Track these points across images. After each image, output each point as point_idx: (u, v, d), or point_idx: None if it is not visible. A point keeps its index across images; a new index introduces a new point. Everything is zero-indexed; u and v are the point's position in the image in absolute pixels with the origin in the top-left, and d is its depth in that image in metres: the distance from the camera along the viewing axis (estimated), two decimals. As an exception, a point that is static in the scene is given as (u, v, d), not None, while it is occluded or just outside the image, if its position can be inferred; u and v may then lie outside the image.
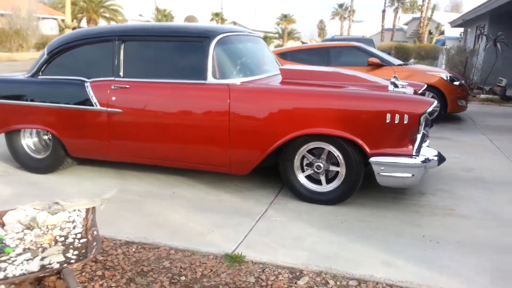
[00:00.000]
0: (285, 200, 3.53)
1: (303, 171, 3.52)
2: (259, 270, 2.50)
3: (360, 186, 3.37)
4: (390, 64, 7.00)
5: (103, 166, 4.33)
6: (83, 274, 2.44)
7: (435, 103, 3.20)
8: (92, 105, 3.84)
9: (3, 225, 2.20)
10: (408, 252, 2.69)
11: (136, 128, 3.77)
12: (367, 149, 3.19)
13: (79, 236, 2.13)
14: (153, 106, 3.68)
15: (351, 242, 2.83)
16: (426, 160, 3.17)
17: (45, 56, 4.14)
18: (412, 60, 22.14)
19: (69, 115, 3.94)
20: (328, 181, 3.48)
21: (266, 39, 41.76)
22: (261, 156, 3.43)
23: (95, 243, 2.00)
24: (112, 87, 3.78)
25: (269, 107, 3.39)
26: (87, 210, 2.38)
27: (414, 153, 3.15)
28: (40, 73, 4.17)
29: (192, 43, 3.68)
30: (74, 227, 2.21)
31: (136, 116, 3.74)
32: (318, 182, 3.50)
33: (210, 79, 3.55)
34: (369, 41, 11.79)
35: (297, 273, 2.46)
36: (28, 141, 4.35)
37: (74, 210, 2.37)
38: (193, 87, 3.59)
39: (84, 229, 2.19)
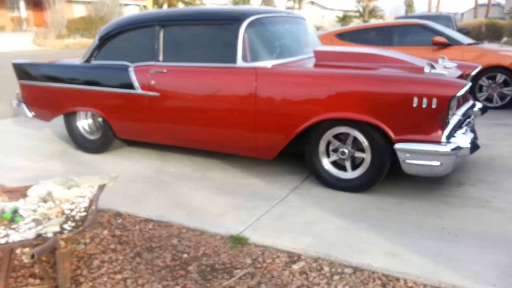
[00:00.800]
0: (309, 186, 3.50)
1: (328, 156, 3.44)
2: (259, 253, 2.53)
3: (394, 174, 3.20)
4: (458, 43, 6.47)
5: (148, 148, 4.58)
6: (98, 246, 2.65)
7: (468, 85, 2.94)
8: (134, 89, 4.07)
9: (25, 197, 2.45)
10: (420, 243, 2.55)
11: (171, 111, 3.94)
12: (392, 135, 3.04)
13: (82, 210, 2.31)
14: (187, 90, 3.82)
15: (362, 230, 2.74)
16: (457, 148, 2.94)
17: (97, 42, 4.45)
18: (504, 39, 20.13)
19: (115, 98, 4.22)
20: (354, 167, 3.36)
21: (345, 18, 40.43)
22: (285, 140, 3.42)
23: (90, 217, 2.16)
24: (151, 71, 3.97)
25: (292, 90, 3.36)
26: (100, 187, 2.56)
27: (443, 140, 2.93)
28: (93, 58, 4.49)
29: (223, 26, 3.73)
30: (83, 202, 2.40)
31: (172, 100, 3.91)
32: (344, 169, 3.41)
33: (240, 62, 3.58)
34: (447, 19, 10.90)
35: (295, 258, 2.46)
36: (83, 122, 4.73)
37: (89, 186, 2.56)
38: (224, 70, 3.65)
39: (89, 204, 2.37)
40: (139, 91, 4.05)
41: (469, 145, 2.98)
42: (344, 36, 7.21)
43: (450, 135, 2.99)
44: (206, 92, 3.72)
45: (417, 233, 2.69)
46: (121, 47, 4.35)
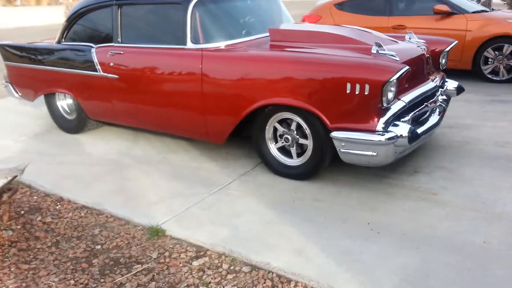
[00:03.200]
0: (258, 173, 3.42)
1: (276, 142, 3.34)
2: (170, 246, 2.53)
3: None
4: (462, 11, 5.96)
5: (123, 128, 4.60)
6: (25, 233, 2.74)
7: (404, 69, 2.70)
8: (97, 71, 4.07)
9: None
10: (335, 240, 2.45)
11: (129, 93, 3.93)
12: (328, 123, 2.89)
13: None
14: (142, 72, 3.78)
15: (285, 223, 2.66)
16: (394, 138, 2.74)
17: (65, 22, 4.46)
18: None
19: (82, 79, 4.25)
20: (299, 155, 3.24)
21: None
22: (232, 125, 3.33)
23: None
24: (110, 53, 3.95)
25: (235, 74, 3.24)
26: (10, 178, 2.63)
27: (379, 129, 2.75)
28: (63, 40, 4.51)
29: (174, 6, 3.60)
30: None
31: (128, 82, 3.89)
32: (291, 155, 3.29)
33: (189, 44, 3.48)
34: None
35: (201, 253, 2.44)
36: (63, 103, 4.82)
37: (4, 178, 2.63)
38: (174, 52, 3.57)
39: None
40: (100, 73, 4.05)
41: (407, 135, 2.76)
42: (343, 6, 6.83)
43: (389, 123, 2.79)
44: (159, 75, 3.67)
45: (339, 228, 2.58)
46: (86, 28, 4.35)
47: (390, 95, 2.75)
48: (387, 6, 6.41)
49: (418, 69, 3.29)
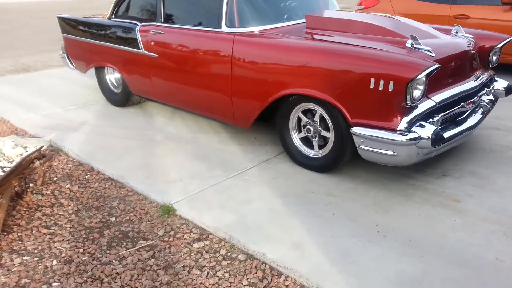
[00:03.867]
0: (280, 161, 3.42)
1: (299, 132, 3.30)
2: (177, 226, 2.62)
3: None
4: (535, 1, 5.44)
5: (163, 105, 4.74)
6: (52, 199, 2.96)
7: (433, 67, 2.54)
8: (139, 49, 4.22)
9: (-13, 150, 2.82)
10: (337, 239, 2.41)
11: (166, 72, 4.04)
12: (349, 117, 2.81)
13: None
14: (179, 52, 3.86)
15: (291, 215, 2.66)
16: (415, 139, 2.62)
17: (115, 0, 4.63)
18: None
19: (126, 56, 4.42)
20: (321, 147, 3.19)
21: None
22: (258, 110, 3.33)
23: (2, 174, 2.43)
24: (151, 32, 4.06)
25: (262, 60, 3.22)
26: (36, 150, 2.83)
27: (401, 128, 2.63)
28: (113, 16, 4.70)
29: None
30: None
31: (166, 61, 3.99)
32: (313, 146, 3.26)
33: (224, 27, 3.50)
34: None
35: (204, 236, 2.50)
36: (111, 76, 5.06)
37: (33, 147, 2.84)
38: (209, 35, 3.61)
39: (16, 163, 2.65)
40: (142, 50, 4.18)
41: (430, 137, 2.62)
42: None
43: (413, 123, 2.66)
44: (194, 56, 3.73)
45: (345, 226, 2.53)
46: (134, 6, 4.48)
47: (417, 94, 2.61)
48: (451, -7, 5.99)
49: (458, 66, 3.08)
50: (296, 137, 3.30)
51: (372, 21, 3.30)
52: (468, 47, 3.23)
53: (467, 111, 3.17)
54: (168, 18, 4.01)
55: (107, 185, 3.14)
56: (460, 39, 3.29)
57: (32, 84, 5.98)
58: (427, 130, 2.62)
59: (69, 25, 5.19)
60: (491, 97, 3.52)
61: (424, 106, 2.72)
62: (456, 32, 3.41)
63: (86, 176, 3.29)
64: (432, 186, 2.95)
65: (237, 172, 3.24)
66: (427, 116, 2.79)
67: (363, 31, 3.23)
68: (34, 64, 7.29)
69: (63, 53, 5.52)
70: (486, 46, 3.46)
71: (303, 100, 3.11)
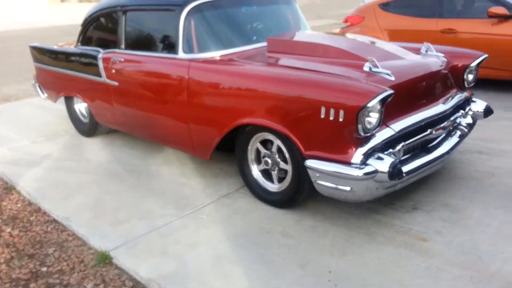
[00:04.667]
0: (242, 195, 3.17)
1: (259, 164, 3.06)
2: (110, 277, 2.37)
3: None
4: (522, 14, 5.20)
5: (131, 135, 4.51)
6: (-15, 246, 2.72)
7: (385, 94, 2.29)
8: (101, 76, 4.03)
9: None
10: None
11: (125, 102, 3.85)
12: (302, 149, 2.56)
13: None
14: (138, 80, 3.66)
15: (236, 262, 2.40)
16: (372, 173, 2.35)
17: (81, 26, 4.48)
18: None
19: (90, 84, 4.25)
20: (281, 180, 2.94)
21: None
22: (215, 142, 3.10)
23: None
24: (112, 59, 3.88)
25: (216, 88, 3.01)
26: None
27: (355, 161, 2.37)
28: (79, 43, 4.54)
29: (169, 13, 3.42)
30: None
31: (125, 90, 3.81)
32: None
33: (180, 53, 3.30)
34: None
35: (137, 290, 2.24)
36: (80, 106, 4.88)
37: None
38: (166, 61, 3.41)
39: None
40: (104, 79, 4.00)
41: (387, 170, 2.35)
42: (388, 6, 6.28)
43: (370, 155, 2.40)
44: (153, 83, 3.52)
45: (293, 274, 2.26)
46: (98, 33, 4.32)
47: (371, 123, 2.36)
48: (437, 7, 5.77)
49: (425, 88, 2.83)
50: (255, 169, 3.06)
51: (333, 44, 3.08)
52: (438, 67, 2.99)
53: (438, 136, 2.90)
54: (129, 45, 3.83)
55: (49, 229, 2.91)
56: (429, 59, 3.06)
57: (8, 115, 5.83)
58: (384, 163, 2.36)
59: (39, 53, 5.05)
60: (468, 119, 3.25)
61: (382, 135, 2.47)
62: (426, 51, 3.17)
63: (31, 218, 3.07)
64: (399, 222, 2.67)
65: (191, 210, 2.99)
66: (387, 145, 2.53)
67: (323, 54, 3.01)
68: (16, 94, 7.17)
69: (34, 82, 5.37)
70: (459, 65, 3.22)
71: (260, 130, 2.88)
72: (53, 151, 4.36)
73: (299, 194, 2.79)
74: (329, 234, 2.60)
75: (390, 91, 2.32)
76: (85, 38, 4.46)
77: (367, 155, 2.39)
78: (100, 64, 4.00)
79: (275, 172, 2.93)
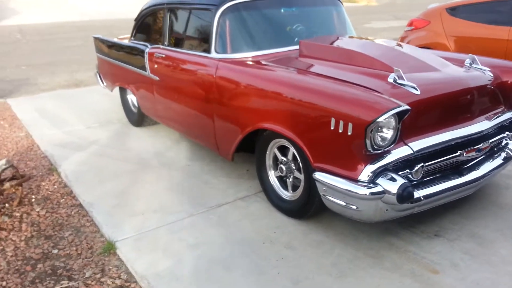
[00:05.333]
0: (259, 199, 3.13)
1: (276, 170, 3.00)
2: (110, 267, 2.46)
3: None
4: None
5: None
6: (15, 222, 2.95)
7: (396, 110, 2.12)
8: (145, 71, 4.19)
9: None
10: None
11: (164, 96, 3.95)
12: (311, 160, 2.46)
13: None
14: (175, 76, 3.76)
15: (231, 269, 2.37)
16: (379, 193, 2.20)
17: (134, 21, 4.67)
18: None
19: (137, 77, 4.43)
20: (296, 188, 2.86)
21: None
22: (236, 142, 3.08)
23: None
24: (155, 55, 4.01)
25: (237, 89, 2.99)
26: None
27: (362, 179, 2.23)
28: (132, 38, 4.75)
29: (206, 12, 3.46)
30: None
31: (164, 85, 3.91)
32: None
33: (213, 53, 3.32)
34: None
35: (127, 284, 2.31)
36: (132, 96, 5.10)
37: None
38: (200, 60, 3.45)
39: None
40: (148, 73, 4.14)
41: (395, 192, 2.17)
42: (456, 11, 5.81)
43: (380, 173, 2.24)
44: (187, 80, 3.59)
45: (283, 290, 2.18)
46: (148, 28, 4.47)
47: (386, 139, 2.20)
48: (507, 14, 5.24)
49: (459, 105, 2.58)
50: (272, 175, 2.99)
51: (366, 51, 2.91)
52: (480, 82, 2.70)
53: (473, 158, 2.63)
54: (171, 42, 3.92)
55: (72, 212, 3.07)
56: (471, 73, 2.78)
57: (75, 99, 6.25)
58: (394, 184, 2.18)
59: (100, 45, 5.35)
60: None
61: (398, 154, 2.28)
62: (470, 64, 2.88)
63: (61, 200, 3.27)
64: (415, 248, 2.47)
65: (204, 209, 3.01)
66: (406, 165, 2.34)
67: (353, 61, 2.86)
68: (86, 80, 7.67)
69: (96, 71, 5.70)
70: (509, 82, 2.89)
71: (277, 135, 2.81)
72: (101, 138, 4.60)
73: (309, 206, 2.68)
74: (334, 252, 2.47)
75: (405, 107, 2.13)
76: (137, 32, 4.64)
77: (378, 174, 2.23)
78: (146, 58, 4.14)
79: (290, 180, 2.85)
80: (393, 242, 2.54)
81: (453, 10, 5.79)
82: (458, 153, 2.50)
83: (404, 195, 2.15)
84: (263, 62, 3.05)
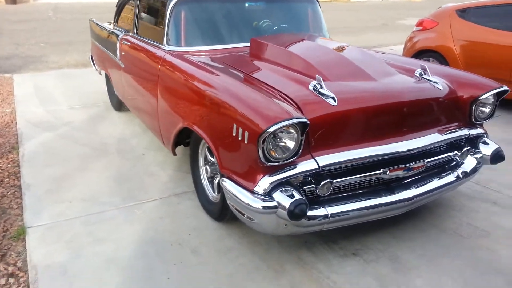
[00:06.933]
0: (192, 197, 3.03)
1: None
2: (12, 253, 2.45)
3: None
4: None
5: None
6: None
7: (290, 121, 1.96)
8: (116, 57, 4.17)
9: None
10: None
11: (126, 83, 3.92)
12: (220, 165, 2.34)
13: None
14: (133, 65, 3.71)
15: (122, 271, 2.29)
16: (273, 207, 2.05)
17: (116, 7, 4.65)
18: None
19: (111, 62, 4.42)
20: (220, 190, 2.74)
21: None
22: (172, 137, 3.00)
23: None
24: (123, 42, 3.97)
25: (173, 83, 2.90)
26: None
27: (257, 190, 2.09)
28: (115, 23, 4.73)
29: (163, 2, 3.37)
30: None
31: (126, 73, 3.88)
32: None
33: (164, 44, 3.24)
34: None
35: (17, 273, 2.29)
36: (115, 81, 5.10)
37: None
38: (153, 50, 3.37)
39: None
40: (118, 59, 4.12)
41: (287, 207, 2.02)
42: (466, 13, 5.42)
43: (279, 186, 2.08)
44: (143, 72, 3.53)
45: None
46: (125, 15, 4.44)
47: (284, 150, 2.04)
48: (517, 18, 4.83)
49: (389, 120, 2.36)
50: (204, 175, 2.88)
51: (307, 54, 2.72)
52: (423, 95, 2.47)
53: (403, 177, 2.42)
54: (138, 30, 3.86)
55: (8, 193, 3.10)
56: (415, 85, 2.54)
57: (75, 80, 6.35)
58: (287, 200, 2.03)
59: (92, 28, 5.38)
60: (469, 163, 2.67)
61: (301, 167, 2.11)
62: (420, 74, 2.64)
63: (5, 180, 3.31)
64: (323, 266, 2.31)
65: (133, 203, 2.95)
66: (316, 179, 2.17)
67: (290, 63, 2.69)
68: (87, 61, 7.75)
69: (90, 54, 5.74)
70: (464, 96, 2.63)
71: (202, 135, 2.68)
72: (77, 119, 4.64)
73: (225, 211, 2.56)
74: (238, 261, 2.35)
75: (302, 119, 1.97)
76: (118, 19, 4.61)
77: (276, 187, 2.07)
78: (118, 45, 4.11)
79: (216, 181, 2.73)
80: (303, 257, 2.39)
81: (463, 12, 5.42)
82: (381, 171, 2.29)
83: (295, 212, 1.99)
84: (203, 60, 2.92)
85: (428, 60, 5.54)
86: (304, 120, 1.97)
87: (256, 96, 2.17)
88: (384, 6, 19.96)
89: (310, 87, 2.28)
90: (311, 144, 2.14)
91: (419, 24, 5.99)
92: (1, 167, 3.53)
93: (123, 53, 3.94)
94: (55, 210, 2.84)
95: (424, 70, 2.63)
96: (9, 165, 3.57)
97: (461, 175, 2.63)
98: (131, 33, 3.96)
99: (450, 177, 2.62)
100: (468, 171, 2.66)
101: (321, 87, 2.24)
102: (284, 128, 1.99)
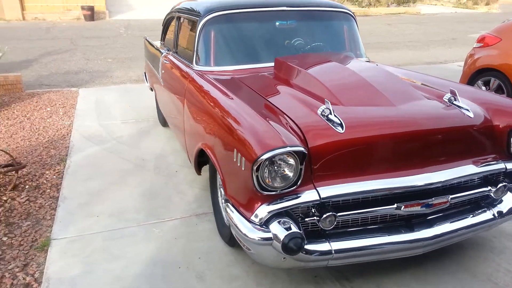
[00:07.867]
0: (212, 219, 3.03)
1: (227, 192, 2.89)
2: (33, 264, 2.59)
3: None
4: None
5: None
6: (-6, 206, 3.28)
7: (284, 150, 1.88)
8: (159, 74, 4.34)
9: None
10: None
11: (166, 100, 4.05)
12: (225, 189, 2.32)
13: None
14: (169, 83, 3.83)
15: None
16: (267, 239, 1.99)
17: (162, 26, 4.84)
18: None
19: (156, 79, 4.60)
20: (236, 215, 2.72)
21: None
22: (195, 155, 3.04)
23: None
24: (163, 61, 4.13)
25: (196, 102, 2.94)
26: None
27: (254, 219, 2.04)
28: (162, 42, 4.93)
29: (196, 21, 3.45)
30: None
31: (165, 91, 4.01)
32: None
33: (194, 64, 3.32)
34: None
35: (31, 285, 2.41)
36: (164, 97, 5.31)
37: None
38: (185, 69, 3.45)
39: None
40: (160, 76, 4.28)
41: (281, 239, 1.93)
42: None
43: (278, 216, 2.02)
44: (175, 88, 3.63)
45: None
46: (169, 33, 4.61)
47: (283, 179, 1.97)
48: None
49: (402, 150, 2.19)
50: (220, 197, 2.88)
51: (322, 75, 2.63)
52: (449, 124, 2.27)
53: (424, 214, 2.24)
54: (177, 49, 3.98)
55: (46, 204, 3.30)
56: (441, 111, 2.35)
57: (134, 95, 6.66)
58: (282, 232, 1.95)
59: (145, 46, 5.64)
60: (507, 201, 2.41)
61: (302, 198, 2.03)
62: (449, 100, 2.44)
63: (47, 191, 3.52)
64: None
65: (154, 221, 3.01)
66: (320, 211, 2.07)
67: (307, 85, 2.62)
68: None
69: (144, 71, 6.02)
70: (501, 126, 2.38)
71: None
72: (125, 134, 4.85)
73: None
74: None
75: (298, 148, 1.89)
76: (165, 37, 4.78)
77: (275, 216, 2.00)
78: (160, 63, 4.26)
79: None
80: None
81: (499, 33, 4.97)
82: (394, 206, 2.13)
83: (289, 246, 1.90)
84: (222, 79, 2.93)
85: (489, 80, 5.12)
86: (300, 148, 1.88)
87: (258, 121, 2.13)
88: (456, 19, 18.85)
89: (319, 112, 2.18)
90: (314, 173, 2.04)
91: (480, 40, 5.57)
92: (47, 178, 3.76)
93: (163, 71, 4.08)
94: (82, 224, 2.96)
95: (454, 95, 2.42)
96: (54, 176, 3.80)
97: (496, 214, 2.36)
98: (171, 52, 4.07)
99: (485, 215, 2.38)
100: (505, 210, 2.38)
101: (330, 112, 2.13)
102: (282, 156, 1.91)
